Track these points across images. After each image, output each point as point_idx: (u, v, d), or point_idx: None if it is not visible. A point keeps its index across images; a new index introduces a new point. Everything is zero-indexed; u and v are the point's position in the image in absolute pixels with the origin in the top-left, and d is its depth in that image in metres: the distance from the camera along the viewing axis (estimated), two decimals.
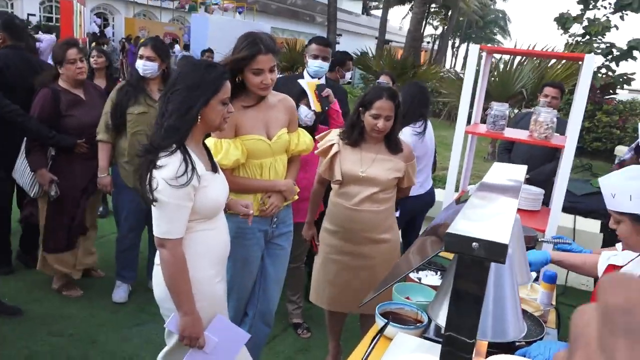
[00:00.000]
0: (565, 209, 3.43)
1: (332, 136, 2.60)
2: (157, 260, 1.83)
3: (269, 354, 3.01)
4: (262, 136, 2.25)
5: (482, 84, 3.42)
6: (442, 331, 0.90)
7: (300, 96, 3.48)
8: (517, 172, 1.41)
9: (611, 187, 1.60)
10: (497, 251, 0.79)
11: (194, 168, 1.70)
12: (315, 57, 3.43)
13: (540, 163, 3.88)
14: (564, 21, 10.77)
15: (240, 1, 23.28)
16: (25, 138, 3.26)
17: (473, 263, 0.82)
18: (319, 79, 3.50)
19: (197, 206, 1.75)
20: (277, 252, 2.49)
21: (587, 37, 10.13)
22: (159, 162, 1.67)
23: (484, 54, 3.34)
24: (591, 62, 2.77)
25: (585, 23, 10.58)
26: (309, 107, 2.94)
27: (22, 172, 3.25)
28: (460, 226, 0.84)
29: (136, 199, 3.13)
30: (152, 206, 1.70)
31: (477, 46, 3.02)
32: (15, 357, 2.77)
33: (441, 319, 1.03)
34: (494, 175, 1.31)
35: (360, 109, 2.47)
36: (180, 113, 1.71)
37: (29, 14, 21.35)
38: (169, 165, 1.66)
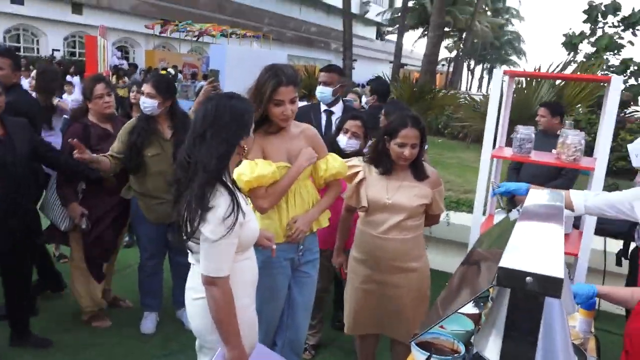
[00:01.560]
0: (595, 231, 3.38)
1: (358, 162, 2.60)
2: (192, 294, 1.85)
3: None
4: (286, 163, 2.27)
5: (506, 107, 3.41)
6: None
7: (323, 125, 3.54)
8: (554, 198, 1.39)
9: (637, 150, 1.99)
10: (552, 286, 0.78)
11: (239, 206, 1.72)
12: (319, 83, 3.56)
13: (547, 180, 3.97)
14: (571, 41, 10.76)
15: (256, 30, 23.77)
16: (54, 173, 3.33)
17: (527, 298, 0.81)
18: (328, 105, 3.58)
19: (241, 240, 1.77)
20: (304, 279, 2.48)
21: (597, 53, 10.09)
22: (209, 203, 1.67)
23: (506, 78, 3.34)
24: (618, 84, 2.76)
25: (593, 40, 10.55)
26: (349, 137, 2.96)
27: (51, 206, 3.31)
28: (512, 259, 0.83)
29: (154, 227, 3.17)
30: (202, 245, 1.71)
31: (500, 70, 3.03)
32: None
33: (489, 354, 1.01)
34: (534, 201, 1.30)
35: (385, 137, 2.48)
36: (223, 150, 1.73)
37: (53, 49, 22.09)
38: (219, 207, 1.68)
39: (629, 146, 2.08)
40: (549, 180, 3.97)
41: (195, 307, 1.84)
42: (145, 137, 3.11)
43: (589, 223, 2.90)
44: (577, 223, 3.34)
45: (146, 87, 3.10)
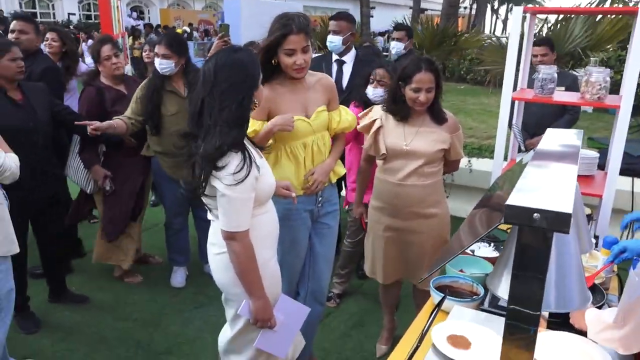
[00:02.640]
0: (622, 172, 3.30)
1: (374, 112, 2.57)
2: (214, 249, 1.90)
3: (324, 330, 3.06)
4: (301, 115, 2.24)
5: (528, 48, 3.29)
6: (506, 304, 0.90)
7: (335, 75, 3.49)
8: (572, 137, 1.36)
9: None
10: (560, 221, 0.77)
11: (252, 161, 1.72)
12: (329, 32, 3.50)
13: (554, 119, 3.87)
14: None
15: None
16: (76, 137, 3.38)
17: (535, 235, 0.80)
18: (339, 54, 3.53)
19: (257, 194, 1.78)
20: (324, 231, 2.49)
21: None
22: (219, 163, 1.68)
23: (527, 16, 3.20)
24: None
25: None
26: (375, 86, 2.94)
27: (75, 169, 3.39)
28: (520, 197, 0.82)
29: (177, 185, 3.23)
30: (219, 201, 1.73)
31: (520, 8, 2.90)
32: (86, 342, 2.94)
33: (502, 292, 1.02)
34: (549, 141, 1.27)
35: (400, 82, 2.43)
36: (236, 106, 1.69)
37: (69, 13, 22.05)
38: (231, 164, 1.68)
39: None
40: (556, 119, 3.89)
41: (218, 262, 1.89)
42: (163, 96, 3.13)
43: (614, 163, 2.83)
44: (602, 164, 3.26)
45: (160, 49, 3.08)
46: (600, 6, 9.13)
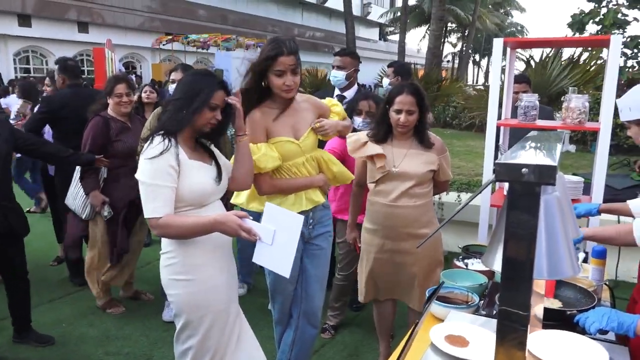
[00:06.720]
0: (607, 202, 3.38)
1: (362, 135, 2.64)
2: (162, 249, 2.01)
3: None
4: (290, 137, 2.30)
5: (510, 80, 3.44)
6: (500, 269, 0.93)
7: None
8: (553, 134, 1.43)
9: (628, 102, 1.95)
10: (546, 173, 0.83)
11: (169, 148, 1.84)
12: (333, 67, 3.60)
13: None
14: (577, 21, 10.74)
15: (260, 37, 23.96)
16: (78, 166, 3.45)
17: (524, 189, 0.86)
18: (341, 89, 3.63)
19: (180, 192, 1.88)
20: (315, 252, 2.48)
21: (602, 30, 10.07)
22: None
23: (508, 49, 3.37)
24: (618, 44, 2.78)
25: (597, 20, 10.55)
26: (364, 117, 3.04)
27: (74, 196, 3.48)
28: (508, 157, 0.88)
29: None
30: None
31: (500, 40, 3.06)
32: None
33: (496, 265, 1.06)
34: (532, 135, 1.34)
35: (387, 106, 2.54)
36: (174, 117, 1.90)
37: None
38: (146, 150, 1.86)
39: (618, 101, 2.01)
40: None
41: (162, 260, 2.01)
42: None
43: (598, 186, 2.92)
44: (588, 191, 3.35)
45: (176, 75, 3.45)
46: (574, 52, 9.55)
